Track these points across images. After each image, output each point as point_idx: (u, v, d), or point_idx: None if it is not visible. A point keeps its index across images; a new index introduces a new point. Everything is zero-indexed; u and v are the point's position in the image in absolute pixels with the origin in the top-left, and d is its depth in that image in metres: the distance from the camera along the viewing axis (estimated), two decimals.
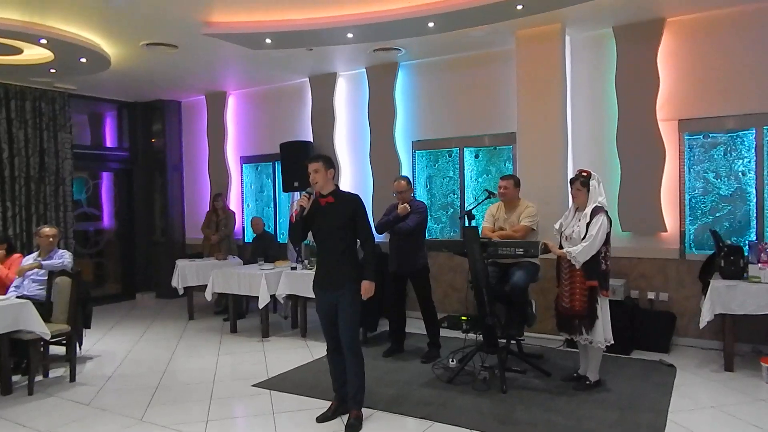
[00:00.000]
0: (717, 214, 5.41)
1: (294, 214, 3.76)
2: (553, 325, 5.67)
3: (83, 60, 6.07)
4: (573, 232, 4.16)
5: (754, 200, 5.21)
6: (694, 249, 5.47)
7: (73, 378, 4.80)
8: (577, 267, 4.07)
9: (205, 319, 7.23)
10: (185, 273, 7.14)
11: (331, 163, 3.78)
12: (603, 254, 4.08)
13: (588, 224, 4.05)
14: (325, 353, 3.89)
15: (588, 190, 4.15)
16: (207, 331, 6.59)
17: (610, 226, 4.13)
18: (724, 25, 5.29)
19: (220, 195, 7.93)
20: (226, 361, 5.35)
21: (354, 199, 3.79)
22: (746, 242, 5.06)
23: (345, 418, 3.77)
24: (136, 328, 6.81)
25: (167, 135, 8.93)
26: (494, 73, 6.38)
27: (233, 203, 8.43)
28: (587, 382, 4.27)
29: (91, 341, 6.03)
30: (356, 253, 3.78)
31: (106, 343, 6.09)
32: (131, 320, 7.31)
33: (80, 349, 5.29)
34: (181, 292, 7.17)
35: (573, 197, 4.27)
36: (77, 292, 4.91)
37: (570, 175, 5.80)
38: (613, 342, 4.18)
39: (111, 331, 6.70)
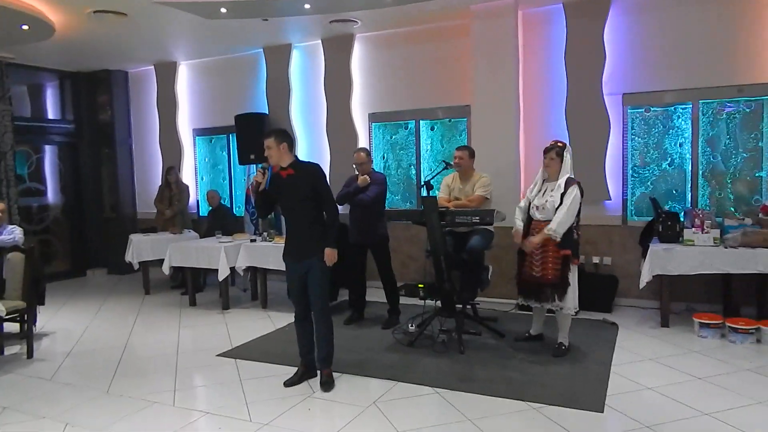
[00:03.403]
0: (656, 183, 5.78)
1: (251, 188, 3.82)
2: (506, 289, 5.96)
3: (25, 27, 5.79)
4: (546, 202, 4.22)
5: (689, 169, 5.60)
6: (634, 216, 5.85)
7: (30, 354, 4.72)
8: (558, 240, 4.12)
9: (161, 293, 7.17)
10: (140, 248, 7.03)
11: (283, 137, 3.81)
12: (575, 224, 4.21)
13: (563, 195, 4.15)
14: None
15: (561, 161, 4.24)
16: (165, 305, 6.55)
17: (582, 197, 4.22)
18: (665, 5, 5.57)
19: (173, 168, 7.79)
20: (187, 333, 5.37)
21: (313, 169, 3.87)
22: (682, 208, 5.45)
23: (311, 382, 3.93)
24: (90, 305, 6.69)
25: (114, 107, 8.63)
26: (449, 46, 6.49)
27: (186, 177, 8.30)
28: (563, 347, 4.36)
29: (45, 318, 5.90)
30: (323, 222, 3.87)
31: (61, 320, 5.98)
32: (84, 297, 7.17)
33: (35, 326, 5.19)
34: (136, 267, 7.07)
35: (546, 166, 4.31)
36: (31, 269, 4.80)
37: (522, 146, 6.08)
38: (578, 309, 4.33)
39: (64, 307, 6.56)
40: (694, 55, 5.48)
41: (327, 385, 3.83)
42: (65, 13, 5.78)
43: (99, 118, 8.74)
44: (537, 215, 4.29)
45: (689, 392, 3.63)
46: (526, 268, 4.37)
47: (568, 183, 4.18)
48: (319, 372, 3.95)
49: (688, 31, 5.50)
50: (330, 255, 3.78)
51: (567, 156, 4.24)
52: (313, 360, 4.01)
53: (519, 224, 4.43)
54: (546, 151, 4.30)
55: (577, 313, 4.38)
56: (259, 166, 3.86)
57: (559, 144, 4.30)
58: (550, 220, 4.15)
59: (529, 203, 4.38)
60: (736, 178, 5.51)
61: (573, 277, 4.22)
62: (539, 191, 4.34)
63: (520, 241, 4.36)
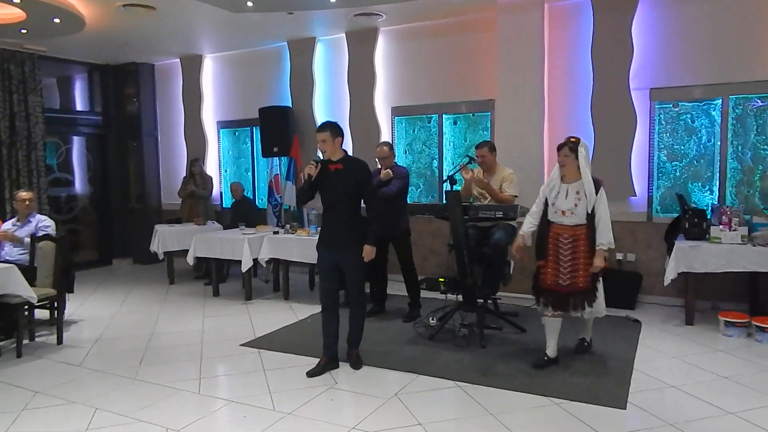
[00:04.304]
0: (682, 179, 5.69)
1: (303, 179, 3.93)
2: (527, 285, 5.92)
3: (57, 20, 5.91)
4: (576, 206, 3.87)
5: (718, 166, 5.51)
6: (660, 212, 5.77)
7: (60, 341, 4.85)
8: (612, 246, 3.89)
9: (185, 283, 7.29)
10: (165, 238, 7.15)
11: (338, 132, 3.94)
12: None
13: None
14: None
15: (576, 157, 3.87)
16: (189, 295, 6.66)
17: None
18: None
19: (197, 160, 7.89)
20: (211, 323, 5.46)
21: (362, 166, 4.00)
22: (709, 206, 5.37)
23: (334, 373, 3.99)
24: (117, 293, 6.83)
25: (141, 99, 8.77)
26: (473, 40, 6.46)
27: (210, 169, 8.40)
28: (585, 343, 4.33)
29: (74, 306, 6.04)
30: (361, 217, 4.00)
31: (89, 308, 6.12)
32: (111, 285, 7.32)
33: (64, 313, 5.31)
34: (161, 257, 7.19)
35: (561, 164, 3.94)
36: (62, 257, 4.92)
37: (546, 141, 6.03)
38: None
39: (92, 296, 6.71)
40: (724, 50, 5.38)
41: (357, 363, 4.04)
42: (96, 7, 5.89)
43: (126, 110, 8.89)
44: (565, 221, 3.92)
45: (713, 391, 3.59)
46: (551, 276, 3.95)
47: (597, 185, 3.88)
48: (348, 352, 4.13)
49: (718, 24, 5.39)
50: (368, 251, 3.91)
51: (582, 151, 3.87)
52: (336, 351, 4.08)
53: (528, 229, 4.13)
54: (558, 148, 3.94)
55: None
56: (313, 159, 3.91)
57: (572, 139, 3.92)
58: (581, 225, 3.86)
59: (546, 207, 4.00)
60: (765, 175, 5.39)
61: (600, 281, 4.01)
62: (558, 192, 3.94)
63: (521, 247, 4.10)
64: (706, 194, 5.61)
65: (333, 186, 3.91)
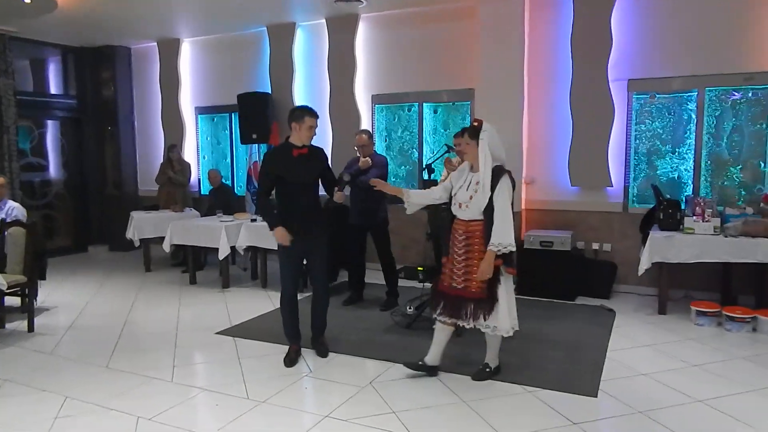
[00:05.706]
0: (658, 170, 5.76)
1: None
2: None
3: (27, 0, 5.74)
4: (471, 199, 3.40)
5: (693, 157, 5.57)
6: (636, 203, 5.83)
7: (31, 329, 4.76)
8: (506, 251, 3.31)
9: (162, 271, 7.21)
10: (141, 225, 7.04)
11: None
12: None
13: (491, 195, 3.33)
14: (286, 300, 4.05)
15: (477, 144, 3.37)
16: (165, 282, 6.59)
17: (514, 188, 3.44)
18: None
19: (175, 146, 7.77)
20: (187, 311, 5.41)
21: (322, 151, 4.10)
22: (683, 196, 5.44)
23: (309, 361, 3.98)
24: (91, 280, 6.73)
25: (117, 83, 8.58)
26: (454, 28, 6.43)
27: (188, 155, 8.28)
28: (487, 370, 3.69)
29: (45, 293, 5.94)
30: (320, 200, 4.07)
31: (62, 295, 6.02)
32: (86, 272, 7.21)
33: (36, 300, 5.22)
34: (137, 244, 7.09)
35: (462, 153, 3.51)
36: (33, 244, 4.82)
37: (525, 131, 6.04)
38: (518, 328, 3.55)
39: (65, 283, 6.60)
40: (702, 42, 5.42)
41: (324, 351, 4.12)
42: None
43: (102, 94, 8.71)
44: (460, 214, 3.46)
45: (683, 379, 3.66)
46: (446, 277, 3.55)
47: (496, 176, 3.32)
48: (314, 339, 4.18)
49: (697, 17, 5.43)
50: (340, 195, 4.03)
51: (485, 137, 3.33)
52: (300, 338, 4.11)
53: (416, 197, 3.79)
54: (456, 136, 3.51)
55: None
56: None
57: (474, 123, 3.40)
58: (476, 221, 3.41)
59: (451, 197, 3.57)
60: (739, 167, 5.47)
61: (506, 290, 3.42)
62: (464, 182, 3.49)
63: (381, 185, 3.87)
64: (681, 185, 5.68)
65: (298, 170, 3.86)
